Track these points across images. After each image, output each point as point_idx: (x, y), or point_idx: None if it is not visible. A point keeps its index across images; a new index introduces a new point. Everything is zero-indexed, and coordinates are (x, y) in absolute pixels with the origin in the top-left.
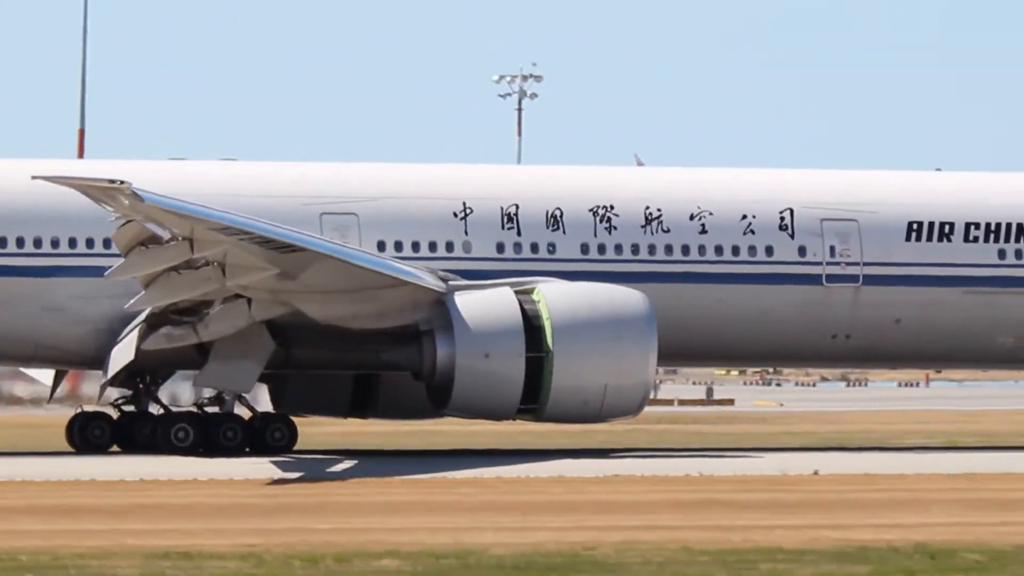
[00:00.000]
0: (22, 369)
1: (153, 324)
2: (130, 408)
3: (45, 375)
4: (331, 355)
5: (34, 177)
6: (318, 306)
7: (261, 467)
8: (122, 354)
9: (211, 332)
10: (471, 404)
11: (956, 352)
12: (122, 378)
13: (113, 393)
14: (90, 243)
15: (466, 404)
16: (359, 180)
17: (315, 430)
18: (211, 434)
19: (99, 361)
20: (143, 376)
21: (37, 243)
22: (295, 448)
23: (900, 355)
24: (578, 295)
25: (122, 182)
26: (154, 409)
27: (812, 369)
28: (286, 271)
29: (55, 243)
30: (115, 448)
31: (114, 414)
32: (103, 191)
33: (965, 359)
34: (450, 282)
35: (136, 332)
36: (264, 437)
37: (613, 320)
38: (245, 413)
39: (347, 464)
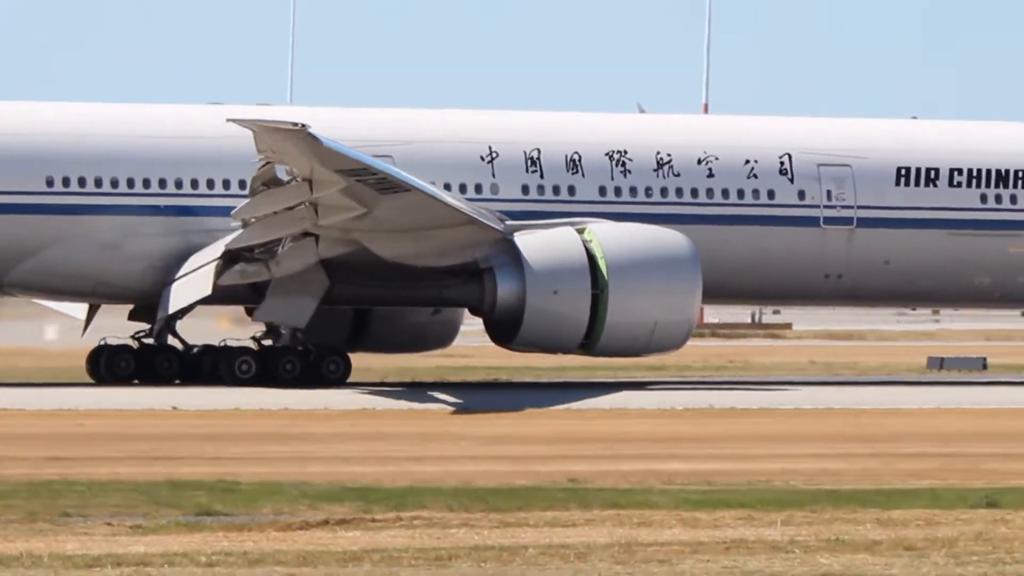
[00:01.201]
0: (51, 305)
1: (228, 261)
2: (149, 341)
3: (78, 310)
4: (392, 292)
5: (229, 120)
6: (385, 244)
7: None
8: (194, 289)
9: (282, 269)
10: (537, 339)
11: (938, 291)
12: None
13: (127, 327)
14: (147, 183)
15: (532, 339)
16: (394, 125)
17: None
18: (270, 366)
19: (153, 296)
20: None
21: (98, 183)
22: (348, 381)
23: (887, 294)
24: (629, 235)
25: (303, 125)
26: (175, 343)
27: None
28: (370, 210)
29: (114, 183)
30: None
31: (134, 346)
32: (284, 134)
33: (946, 298)
34: (507, 222)
35: (212, 268)
36: (320, 370)
37: (663, 259)
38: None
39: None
